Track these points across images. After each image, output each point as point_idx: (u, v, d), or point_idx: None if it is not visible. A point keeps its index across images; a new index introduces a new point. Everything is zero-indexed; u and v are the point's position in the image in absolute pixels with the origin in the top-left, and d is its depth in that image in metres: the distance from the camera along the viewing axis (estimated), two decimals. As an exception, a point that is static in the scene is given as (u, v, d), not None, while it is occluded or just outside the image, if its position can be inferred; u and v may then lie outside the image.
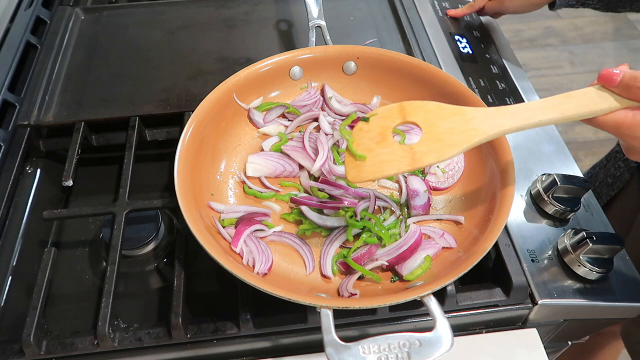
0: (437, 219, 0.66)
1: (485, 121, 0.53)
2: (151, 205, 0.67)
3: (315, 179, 0.70)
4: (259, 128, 0.75)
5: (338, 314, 0.51)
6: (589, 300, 0.62)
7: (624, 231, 0.90)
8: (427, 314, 0.55)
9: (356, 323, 0.62)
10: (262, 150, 0.73)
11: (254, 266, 0.60)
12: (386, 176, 0.55)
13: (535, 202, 0.70)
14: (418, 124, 0.55)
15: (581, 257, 0.63)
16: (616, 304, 0.63)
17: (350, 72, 0.78)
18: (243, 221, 0.62)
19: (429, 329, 0.48)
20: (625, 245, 0.64)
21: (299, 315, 0.60)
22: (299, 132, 0.75)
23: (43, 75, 0.81)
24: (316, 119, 0.75)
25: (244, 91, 0.73)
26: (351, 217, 0.64)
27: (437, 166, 0.70)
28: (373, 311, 0.61)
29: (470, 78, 0.86)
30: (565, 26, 2.69)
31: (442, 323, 0.48)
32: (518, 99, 0.84)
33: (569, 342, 0.80)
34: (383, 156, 0.55)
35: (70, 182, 0.69)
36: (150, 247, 0.69)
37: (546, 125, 0.54)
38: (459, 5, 1.01)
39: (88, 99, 0.79)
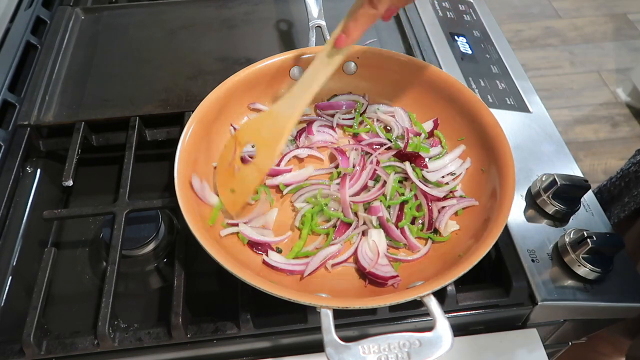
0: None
1: (285, 109, 0.61)
2: (151, 205, 0.67)
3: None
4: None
5: (338, 314, 0.51)
6: (589, 300, 0.62)
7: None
8: (427, 314, 0.55)
9: (356, 323, 0.62)
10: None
11: None
12: (252, 192, 0.63)
13: (535, 202, 0.70)
14: (252, 141, 0.63)
15: (581, 257, 0.63)
16: (616, 304, 0.63)
17: (350, 72, 0.78)
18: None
19: (429, 329, 0.48)
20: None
21: (299, 315, 0.60)
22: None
23: (43, 75, 0.81)
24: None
25: (244, 91, 0.73)
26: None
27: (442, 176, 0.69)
28: (373, 311, 0.61)
29: (470, 78, 0.86)
30: (565, 26, 2.69)
31: (442, 323, 0.48)
32: (518, 99, 0.84)
33: (569, 343, 0.80)
34: (242, 181, 0.62)
35: (70, 182, 0.69)
36: (150, 247, 0.69)
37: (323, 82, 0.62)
38: (459, 6, 1.01)
39: (88, 99, 0.79)
